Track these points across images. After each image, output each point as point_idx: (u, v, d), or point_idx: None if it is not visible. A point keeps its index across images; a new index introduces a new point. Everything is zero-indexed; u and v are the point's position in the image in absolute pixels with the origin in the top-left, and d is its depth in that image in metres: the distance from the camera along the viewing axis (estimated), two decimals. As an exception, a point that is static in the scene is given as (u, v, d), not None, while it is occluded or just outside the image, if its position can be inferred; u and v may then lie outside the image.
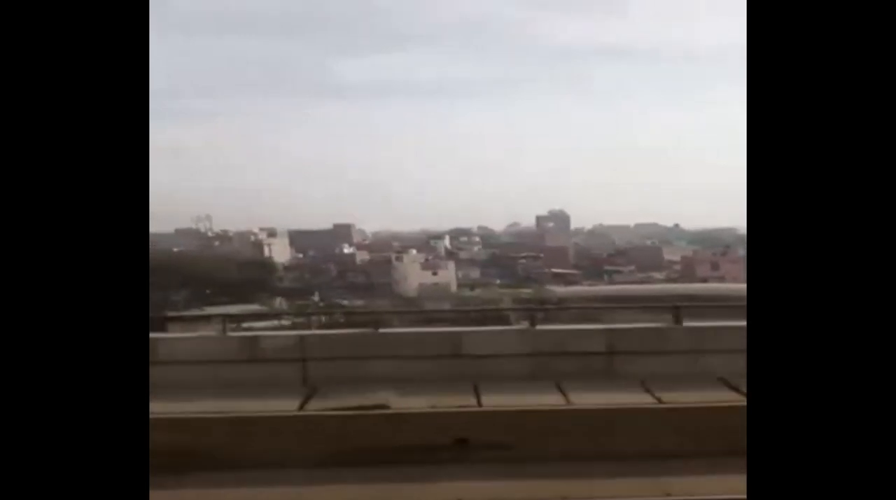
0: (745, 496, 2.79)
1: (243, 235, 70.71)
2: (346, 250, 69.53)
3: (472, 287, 58.97)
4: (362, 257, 66.91)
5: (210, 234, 71.71)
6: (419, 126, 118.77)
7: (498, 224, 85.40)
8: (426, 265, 62.32)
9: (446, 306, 42.26)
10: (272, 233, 70.43)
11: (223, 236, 71.05)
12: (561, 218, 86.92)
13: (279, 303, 46.40)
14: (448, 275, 61.25)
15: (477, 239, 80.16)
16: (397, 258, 63.01)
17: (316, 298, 49.83)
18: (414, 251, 65.90)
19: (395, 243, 75.05)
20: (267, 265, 59.50)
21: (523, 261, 67.42)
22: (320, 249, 66.78)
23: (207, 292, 43.86)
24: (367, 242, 76.90)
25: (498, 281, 60.90)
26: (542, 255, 68.70)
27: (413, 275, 59.47)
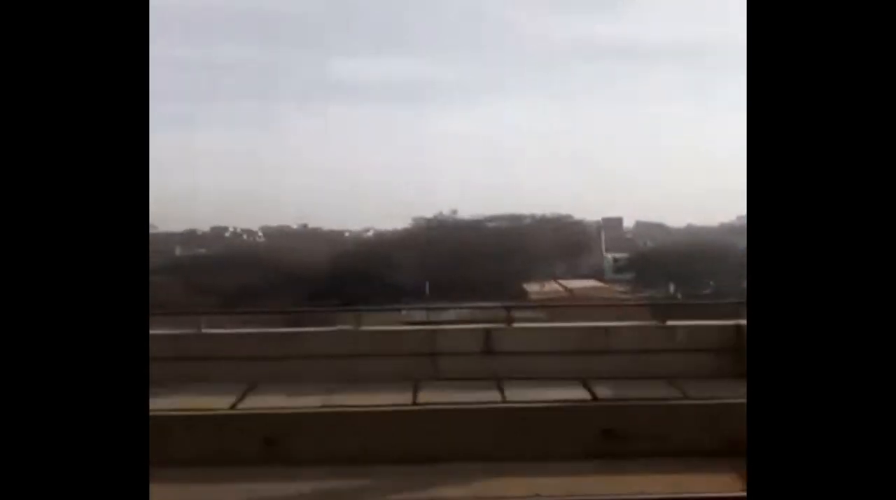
0: (745, 495, 2.81)
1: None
2: (649, 243, 67.59)
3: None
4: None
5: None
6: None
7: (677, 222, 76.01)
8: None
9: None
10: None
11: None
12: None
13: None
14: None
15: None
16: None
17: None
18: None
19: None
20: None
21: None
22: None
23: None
24: (629, 235, 73.87)
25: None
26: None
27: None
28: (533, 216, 65.75)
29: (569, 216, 65.79)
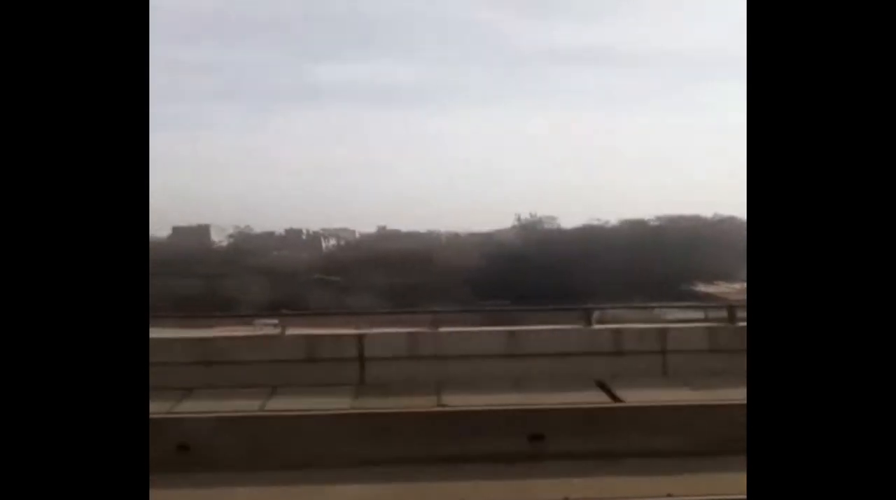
0: (745, 496, 2.76)
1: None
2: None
3: None
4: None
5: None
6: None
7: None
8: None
9: None
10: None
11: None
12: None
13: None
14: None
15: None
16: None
17: None
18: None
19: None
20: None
21: None
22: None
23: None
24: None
25: None
26: None
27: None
28: (682, 217, 65.54)
29: (733, 218, 65.37)
